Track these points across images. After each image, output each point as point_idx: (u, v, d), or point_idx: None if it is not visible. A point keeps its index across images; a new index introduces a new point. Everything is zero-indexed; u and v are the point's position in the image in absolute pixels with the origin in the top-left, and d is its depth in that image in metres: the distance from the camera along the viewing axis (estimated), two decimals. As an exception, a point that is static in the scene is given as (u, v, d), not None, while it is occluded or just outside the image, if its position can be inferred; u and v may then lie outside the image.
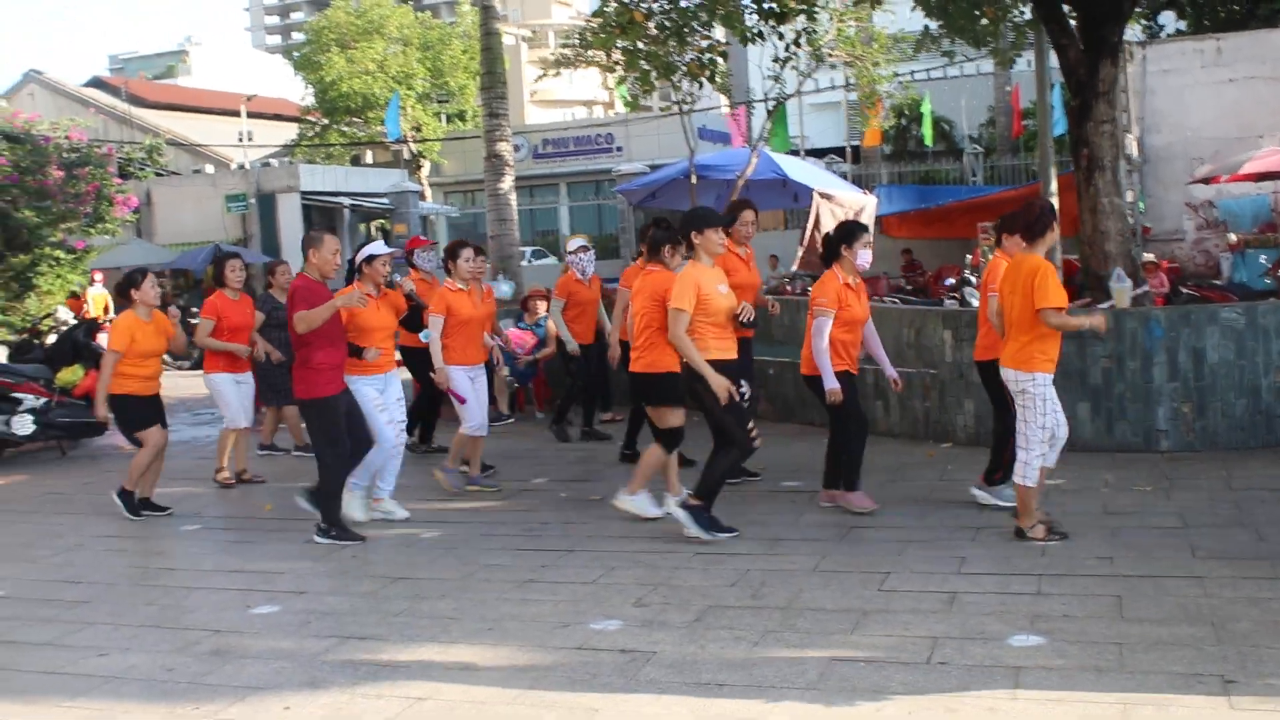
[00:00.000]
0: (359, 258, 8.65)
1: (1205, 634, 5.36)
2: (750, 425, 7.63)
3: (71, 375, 13.04)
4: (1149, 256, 17.47)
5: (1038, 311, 6.96)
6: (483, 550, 7.77)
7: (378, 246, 8.75)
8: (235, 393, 10.49)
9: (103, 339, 15.02)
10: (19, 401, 12.43)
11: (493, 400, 11.08)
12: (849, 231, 8.21)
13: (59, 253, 17.17)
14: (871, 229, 18.70)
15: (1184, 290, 16.98)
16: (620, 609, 6.28)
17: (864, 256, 8.12)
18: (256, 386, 10.92)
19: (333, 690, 5.36)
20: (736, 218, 9.01)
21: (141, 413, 9.38)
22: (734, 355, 7.63)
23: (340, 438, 8.10)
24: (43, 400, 12.54)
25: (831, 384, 7.90)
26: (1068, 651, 5.24)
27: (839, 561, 6.95)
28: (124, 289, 9.47)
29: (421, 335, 9.45)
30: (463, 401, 9.34)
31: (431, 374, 9.48)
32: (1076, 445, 9.64)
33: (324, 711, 5.13)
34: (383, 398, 8.56)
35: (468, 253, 9.46)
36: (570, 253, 11.75)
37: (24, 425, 12.36)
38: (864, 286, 8.32)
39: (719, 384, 7.29)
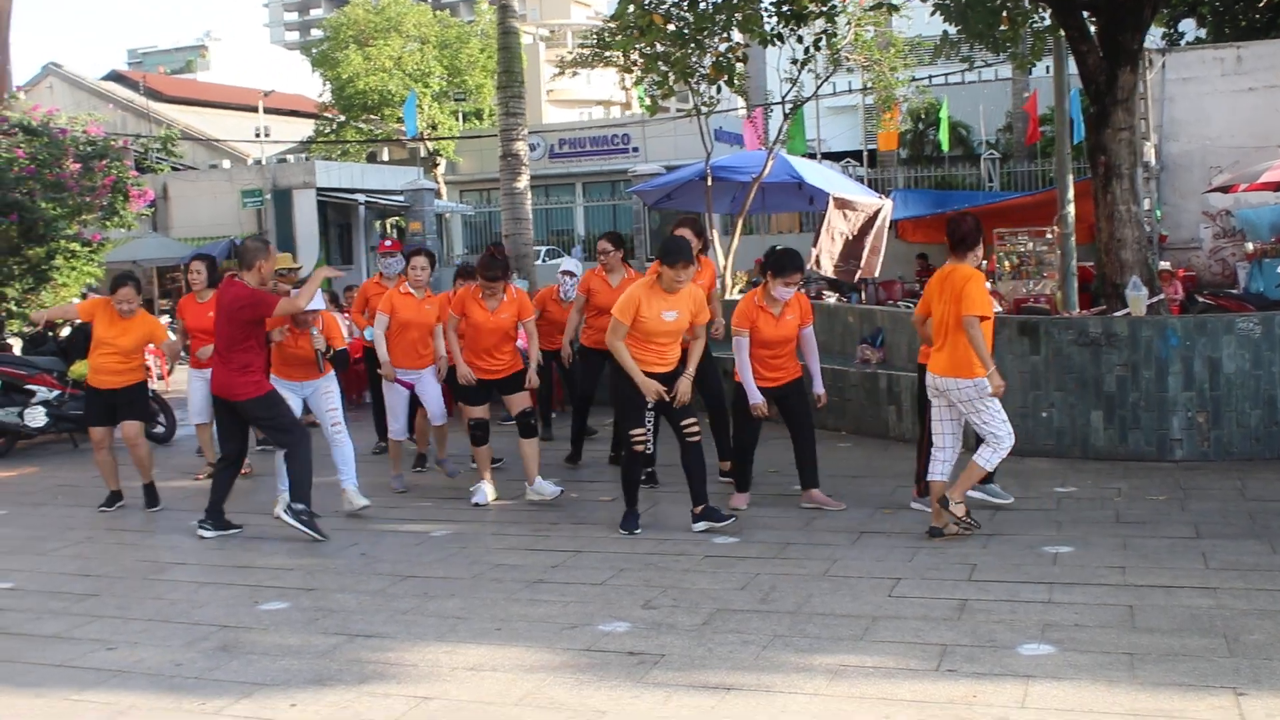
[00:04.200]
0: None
1: (1217, 645, 5.33)
2: (641, 430, 8.03)
3: (84, 368, 12.98)
4: (1165, 265, 17.42)
5: (962, 317, 7.22)
6: (493, 550, 7.76)
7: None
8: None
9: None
10: (32, 394, 12.48)
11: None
12: (779, 264, 8.26)
13: (75, 245, 17.14)
14: (886, 233, 18.75)
15: (1200, 299, 16.93)
16: (629, 611, 6.26)
17: (783, 293, 8.26)
18: None
19: (339, 688, 5.35)
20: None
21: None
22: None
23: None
24: (55, 393, 12.58)
25: (756, 398, 8.25)
26: (1078, 661, 5.21)
27: (849, 567, 6.93)
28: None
29: (366, 333, 9.68)
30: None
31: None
32: (1089, 454, 9.64)
33: (330, 709, 5.12)
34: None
35: (418, 260, 9.75)
36: (561, 272, 12.05)
37: (36, 417, 12.40)
38: (788, 312, 8.38)
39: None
